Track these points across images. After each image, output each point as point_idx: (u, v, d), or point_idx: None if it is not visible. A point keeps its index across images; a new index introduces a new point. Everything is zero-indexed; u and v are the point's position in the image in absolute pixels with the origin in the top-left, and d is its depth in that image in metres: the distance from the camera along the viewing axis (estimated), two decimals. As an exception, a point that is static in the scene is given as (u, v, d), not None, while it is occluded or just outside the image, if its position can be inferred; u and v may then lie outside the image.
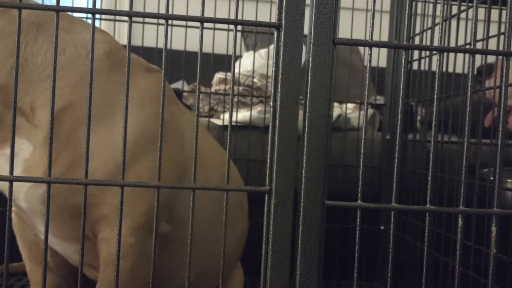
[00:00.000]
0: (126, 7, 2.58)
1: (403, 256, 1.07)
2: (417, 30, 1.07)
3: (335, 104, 1.51)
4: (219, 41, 1.19)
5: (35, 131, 0.64)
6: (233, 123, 1.20)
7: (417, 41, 1.08)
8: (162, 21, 1.69)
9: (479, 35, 0.80)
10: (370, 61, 0.49)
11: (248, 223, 0.92)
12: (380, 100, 1.39)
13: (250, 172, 1.17)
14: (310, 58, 0.47)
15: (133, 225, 0.65)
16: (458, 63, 0.92)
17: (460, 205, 0.50)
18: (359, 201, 0.49)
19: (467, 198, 0.51)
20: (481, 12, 1.08)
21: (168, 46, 1.41)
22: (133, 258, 0.66)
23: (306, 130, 0.47)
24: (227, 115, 1.38)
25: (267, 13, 1.10)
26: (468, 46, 0.60)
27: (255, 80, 1.58)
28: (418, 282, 1.01)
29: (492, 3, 0.82)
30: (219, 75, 1.65)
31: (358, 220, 0.50)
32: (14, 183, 0.62)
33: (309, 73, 0.47)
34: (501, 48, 0.55)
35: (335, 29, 0.47)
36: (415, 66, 1.10)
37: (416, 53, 1.32)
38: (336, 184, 1.19)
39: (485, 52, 0.52)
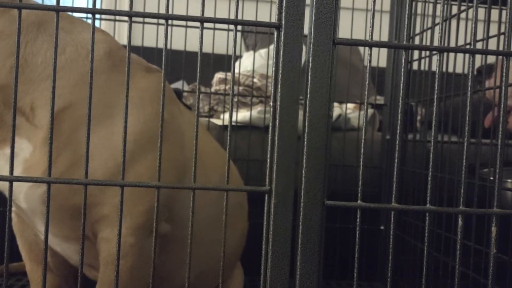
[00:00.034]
0: (126, 7, 2.58)
1: (403, 256, 1.07)
2: (417, 30, 1.07)
3: (335, 104, 1.51)
4: (219, 41, 1.19)
5: (35, 131, 0.64)
6: (233, 123, 1.20)
7: (417, 41, 1.08)
8: (162, 21, 1.69)
9: (479, 35, 0.80)
10: (370, 61, 0.49)
11: (248, 223, 0.92)
12: (380, 100, 1.39)
13: (250, 172, 1.17)
14: (310, 58, 0.47)
15: (133, 225, 0.65)
16: (458, 63, 0.92)
17: (460, 205, 0.50)
18: (359, 201, 0.49)
19: (467, 198, 0.51)
20: (481, 12, 1.08)
21: (168, 46, 1.41)
22: (133, 258, 0.66)
23: (306, 130, 0.47)
24: (227, 115, 1.38)
25: (267, 13, 1.10)
26: (468, 46, 0.60)
27: (255, 80, 1.58)
28: (418, 282, 1.01)
29: (492, 3, 0.82)
30: (219, 75, 1.65)
31: (358, 220, 0.50)
32: (14, 183, 0.62)
33: (309, 73, 0.47)
34: (501, 48, 0.55)
35: (335, 29, 0.47)
36: (415, 66, 1.10)
37: (416, 53, 1.32)
38: (336, 184, 1.19)
39: (485, 52, 0.52)
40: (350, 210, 1.16)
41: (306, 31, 0.48)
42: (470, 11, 0.95)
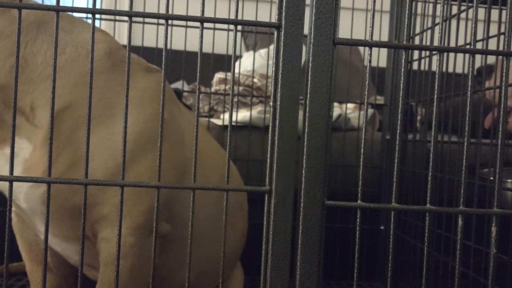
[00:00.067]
0: (126, 7, 2.58)
1: (403, 256, 1.07)
2: (417, 30, 1.07)
3: (335, 104, 1.51)
4: (219, 41, 1.19)
5: (35, 131, 0.64)
6: (233, 123, 1.20)
7: (417, 41, 1.08)
8: (162, 21, 1.69)
9: (479, 35, 0.80)
10: (370, 61, 0.49)
11: (248, 223, 0.92)
12: (380, 100, 1.39)
13: (250, 172, 1.17)
14: (310, 58, 0.47)
15: (133, 225, 0.65)
16: (458, 63, 0.92)
17: (460, 205, 0.50)
18: (359, 201, 0.49)
19: (467, 198, 0.51)
20: (481, 12, 1.08)
21: (168, 46, 1.41)
22: (133, 258, 0.66)
23: (306, 130, 0.47)
24: (227, 115, 1.38)
25: (267, 13, 1.10)
26: (468, 46, 0.60)
27: (255, 80, 1.58)
28: (418, 282, 1.01)
29: (492, 3, 0.82)
30: (219, 75, 1.65)
31: (358, 220, 0.50)
32: (14, 183, 0.62)
33: (309, 73, 0.47)
34: (501, 48, 0.55)
35: (335, 29, 0.47)
36: (415, 66, 1.10)
37: (416, 53, 1.31)
38: (336, 184, 1.19)
39: (485, 52, 0.52)
40: (350, 210, 1.16)
41: (306, 31, 0.48)
42: (470, 11, 0.95)
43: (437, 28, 1.20)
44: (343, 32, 1.04)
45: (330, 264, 1.16)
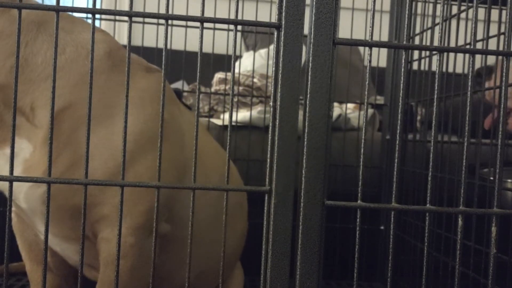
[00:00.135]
0: (126, 7, 2.58)
1: (403, 256, 1.07)
2: (417, 30, 1.07)
3: (335, 104, 1.51)
4: (219, 41, 1.19)
5: (35, 131, 0.64)
6: (233, 123, 1.20)
7: (417, 41, 1.08)
8: (162, 21, 1.69)
9: (479, 35, 0.80)
10: (370, 61, 0.49)
11: (248, 223, 0.92)
12: (380, 100, 1.39)
13: (250, 172, 1.17)
14: (310, 58, 0.47)
15: (133, 225, 0.65)
16: (458, 63, 0.92)
17: (460, 205, 0.50)
18: (359, 201, 0.49)
19: (467, 198, 0.51)
20: (481, 12, 1.08)
21: (168, 46, 1.41)
22: (133, 258, 0.66)
23: (306, 130, 0.47)
24: (227, 115, 1.38)
25: (267, 13, 1.10)
26: (468, 46, 0.60)
27: (255, 80, 1.58)
28: (418, 282, 1.01)
29: (492, 3, 0.82)
30: (219, 75, 1.65)
31: (358, 220, 0.50)
32: (14, 183, 0.62)
33: (309, 73, 0.47)
34: (501, 48, 0.55)
35: (335, 29, 0.47)
36: (415, 66, 1.10)
37: (416, 53, 1.31)
38: (336, 184, 1.19)
39: (485, 52, 0.52)
40: (350, 210, 1.16)
41: (306, 31, 0.48)
42: (470, 11, 0.95)
43: (437, 28, 1.20)
44: (343, 32, 1.04)
45: (330, 264, 1.16)
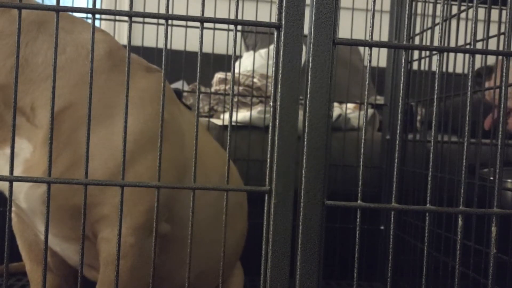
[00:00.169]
0: (126, 7, 2.58)
1: (403, 256, 1.07)
2: (417, 30, 1.07)
3: (335, 104, 1.51)
4: (219, 41, 1.19)
5: (35, 131, 0.64)
6: (233, 123, 1.20)
7: (417, 41, 1.08)
8: (162, 21, 1.69)
9: (479, 35, 0.80)
10: (370, 61, 0.49)
11: (248, 223, 0.92)
12: (380, 100, 1.39)
13: (250, 172, 1.17)
14: (310, 58, 0.47)
15: (133, 225, 0.65)
16: (458, 63, 0.92)
17: (460, 205, 0.50)
18: (359, 201, 0.49)
19: (467, 198, 0.51)
20: (481, 12, 1.08)
21: (168, 46, 1.41)
22: (133, 258, 0.66)
23: (306, 130, 0.47)
24: (227, 115, 1.38)
25: (267, 13, 1.10)
26: (468, 46, 0.60)
27: (255, 80, 1.58)
28: (418, 282, 1.01)
29: (492, 3, 0.82)
30: (219, 75, 1.65)
31: (358, 220, 0.50)
32: (14, 183, 0.62)
33: (309, 73, 0.47)
34: (501, 48, 0.55)
35: (335, 29, 0.47)
36: (415, 66, 1.10)
37: (416, 53, 1.32)
38: (336, 184, 1.19)
39: (485, 52, 0.52)
40: (350, 210, 1.16)
41: (306, 31, 0.48)
42: (470, 11, 0.95)
43: (437, 28, 1.20)
44: (343, 32, 1.04)
45: (330, 264, 1.16)
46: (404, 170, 1.11)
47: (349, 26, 1.18)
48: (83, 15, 1.06)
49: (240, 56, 1.92)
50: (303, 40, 0.47)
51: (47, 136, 0.62)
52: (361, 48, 2.10)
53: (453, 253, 0.89)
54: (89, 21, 0.87)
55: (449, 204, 0.92)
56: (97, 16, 1.33)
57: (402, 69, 0.50)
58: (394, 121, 1.16)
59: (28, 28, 0.64)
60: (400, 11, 1.15)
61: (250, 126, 1.20)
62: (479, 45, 0.85)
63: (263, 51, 1.92)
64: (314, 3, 0.47)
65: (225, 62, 1.25)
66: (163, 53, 0.47)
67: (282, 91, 0.47)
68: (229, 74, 1.57)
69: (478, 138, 0.86)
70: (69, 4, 1.46)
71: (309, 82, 0.47)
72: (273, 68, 0.47)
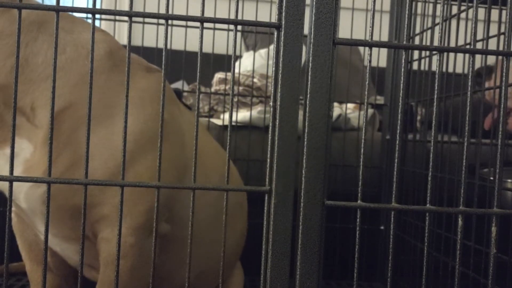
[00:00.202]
0: (126, 7, 2.58)
1: (403, 256, 1.07)
2: (417, 30, 1.07)
3: (335, 104, 1.51)
4: (219, 41, 1.19)
5: (36, 131, 0.64)
6: (233, 123, 1.20)
7: (417, 41, 1.08)
8: (162, 21, 1.69)
9: (479, 35, 0.80)
10: (370, 61, 0.49)
11: (248, 223, 0.92)
12: (380, 100, 1.39)
13: (250, 172, 1.17)
14: (310, 58, 0.47)
15: (133, 225, 0.65)
16: (458, 63, 0.92)
17: (460, 205, 0.50)
18: (359, 201, 0.49)
19: (467, 198, 0.51)
20: (481, 12, 1.08)
21: (168, 46, 1.41)
22: (133, 258, 0.66)
23: (306, 130, 0.47)
24: (227, 115, 1.38)
25: (267, 13, 1.10)
26: (468, 46, 0.60)
27: (255, 80, 1.58)
28: (418, 282, 1.01)
29: (492, 3, 0.82)
30: (219, 75, 1.65)
31: (358, 220, 0.50)
32: (15, 183, 0.62)
33: (309, 73, 0.47)
34: (501, 48, 0.55)
35: (335, 29, 0.47)
36: (415, 66, 1.10)
37: (416, 53, 1.32)
38: (336, 184, 1.19)
39: (485, 52, 0.52)
40: (350, 210, 1.16)
41: (306, 31, 0.48)
42: (470, 11, 0.95)
43: (437, 28, 1.20)
44: (343, 32, 1.04)
45: (330, 264, 1.16)
46: (404, 170, 1.11)
47: (349, 26, 1.18)
48: (83, 15, 1.06)
49: (240, 56, 1.92)
50: (303, 40, 0.47)
51: (47, 136, 0.62)
52: (361, 48, 2.10)
53: (453, 253, 0.89)
54: (89, 21, 0.87)
55: (449, 204, 0.92)
56: (97, 16, 1.33)
57: (402, 69, 0.50)
58: (394, 121, 1.16)
59: (28, 28, 0.64)
60: (400, 11, 1.15)
61: (250, 126, 1.20)
62: (479, 45, 0.85)
63: (263, 51, 1.92)
64: (314, 3, 0.47)
65: (225, 62, 1.25)
66: (163, 53, 0.47)
67: (282, 91, 0.47)
68: (229, 74, 1.57)
69: (478, 138, 0.86)
70: (69, 4, 1.46)
71: (309, 82, 0.47)
72: (273, 68, 0.47)
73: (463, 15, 0.93)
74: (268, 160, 0.48)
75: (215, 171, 0.79)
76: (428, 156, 1.05)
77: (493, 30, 0.82)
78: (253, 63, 1.31)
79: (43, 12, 0.65)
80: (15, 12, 0.63)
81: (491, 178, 0.89)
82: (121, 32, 2.23)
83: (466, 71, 0.89)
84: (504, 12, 0.89)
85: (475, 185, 0.85)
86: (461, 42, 0.94)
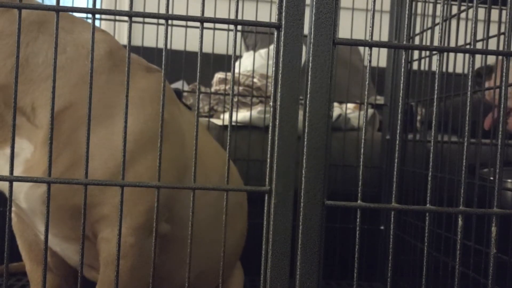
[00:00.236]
0: (126, 7, 2.58)
1: (403, 256, 1.07)
2: (417, 30, 1.07)
3: (335, 104, 1.51)
4: (219, 41, 1.19)
5: (36, 131, 0.64)
6: (233, 123, 1.20)
7: (417, 41, 1.08)
8: (162, 21, 1.69)
9: (479, 35, 0.80)
10: (370, 61, 0.49)
11: (248, 223, 0.92)
12: (380, 100, 1.39)
13: (250, 172, 1.17)
14: (310, 58, 0.47)
15: (133, 225, 0.65)
16: (458, 63, 0.92)
17: (460, 205, 0.50)
18: (359, 201, 0.49)
19: (467, 198, 0.51)
20: (481, 12, 1.08)
21: (168, 46, 1.41)
22: (133, 258, 0.66)
23: (306, 130, 0.47)
24: (227, 115, 1.38)
25: (267, 13, 1.10)
26: (468, 46, 0.60)
27: (255, 80, 1.58)
28: (418, 282, 1.01)
29: (492, 3, 0.82)
30: (219, 75, 1.65)
31: (358, 220, 0.50)
32: (15, 183, 0.62)
33: (309, 73, 0.47)
34: (501, 48, 0.55)
35: (335, 29, 0.47)
36: (415, 66, 1.10)
37: (416, 53, 1.32)
38: (336, 184, 1.19)
39: (485, 52, 0.52)
40: (350, 210, 1.16)
41: (306, 31, 0.48)
42: (470, 11, 0.95)
43: (437, 28, 1.20)
44: (343, 32, 1.04)
45: (330, 264, 1.16)
46: (404, 170, 1.11)
47: (349, 26, 1.18)
48: (83, 15, 1.06)
49: (240, 56, 1.92)
50: (303, 40, 0.47)
51: (47, 136, 0.62)
52: (361, 48, 2.10)
53: (453, 253, 0.89)
54: (89, 21, 0.87)
55: (449, 204, 0.92)
56: (97, 16, 1.33)
57: (402, 69, 0.50)
58: (394, 121, 1.16)
59: (29, 28, 0.64)
60: (400, 11, 1.15)
61: (250, 126, 1.20)
62: (479, 45, 0.85)
63: (263, 51, 1.92)
64: (314, 3, 0.47)
65: (225, 62, 1.25)
66: (163, 53, 0.47)
67: (282, 91, 0.47)
68: (229, 74, 1.57)
69: (478, 138, 0.86)
70: (69, 4, 1.46)
71: (309, 82, 0.47)
72: (273, 68, 0.47)
73: (463, 15, 0.93)
74: (268, 160, 0.48)
75: (215, 171, 0.79)
76: (428, 156, 1.05)
77: (493, 30, 0.82)
78: (253, 63, 1.31)
79: (43, 12, 0.65)
80: (15, 12, 0.63)
81: (491, 178, 0.89)
82: (121, 32, 2.23)
83: (466, 71, 0.89)
84: (504, 12, 0.89)
85: (475, 185, 0.85)
86: (461, 42, 0.94)
